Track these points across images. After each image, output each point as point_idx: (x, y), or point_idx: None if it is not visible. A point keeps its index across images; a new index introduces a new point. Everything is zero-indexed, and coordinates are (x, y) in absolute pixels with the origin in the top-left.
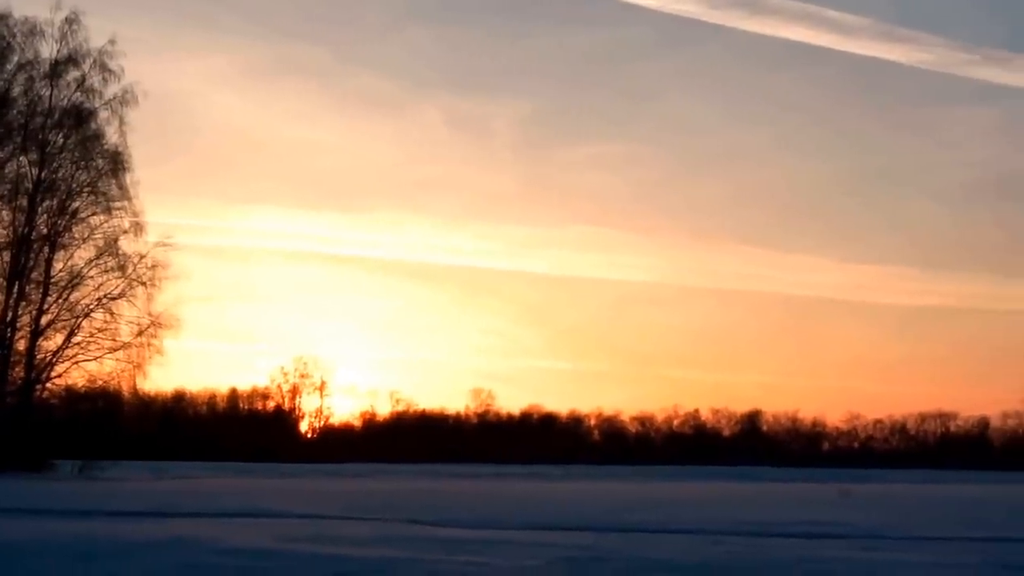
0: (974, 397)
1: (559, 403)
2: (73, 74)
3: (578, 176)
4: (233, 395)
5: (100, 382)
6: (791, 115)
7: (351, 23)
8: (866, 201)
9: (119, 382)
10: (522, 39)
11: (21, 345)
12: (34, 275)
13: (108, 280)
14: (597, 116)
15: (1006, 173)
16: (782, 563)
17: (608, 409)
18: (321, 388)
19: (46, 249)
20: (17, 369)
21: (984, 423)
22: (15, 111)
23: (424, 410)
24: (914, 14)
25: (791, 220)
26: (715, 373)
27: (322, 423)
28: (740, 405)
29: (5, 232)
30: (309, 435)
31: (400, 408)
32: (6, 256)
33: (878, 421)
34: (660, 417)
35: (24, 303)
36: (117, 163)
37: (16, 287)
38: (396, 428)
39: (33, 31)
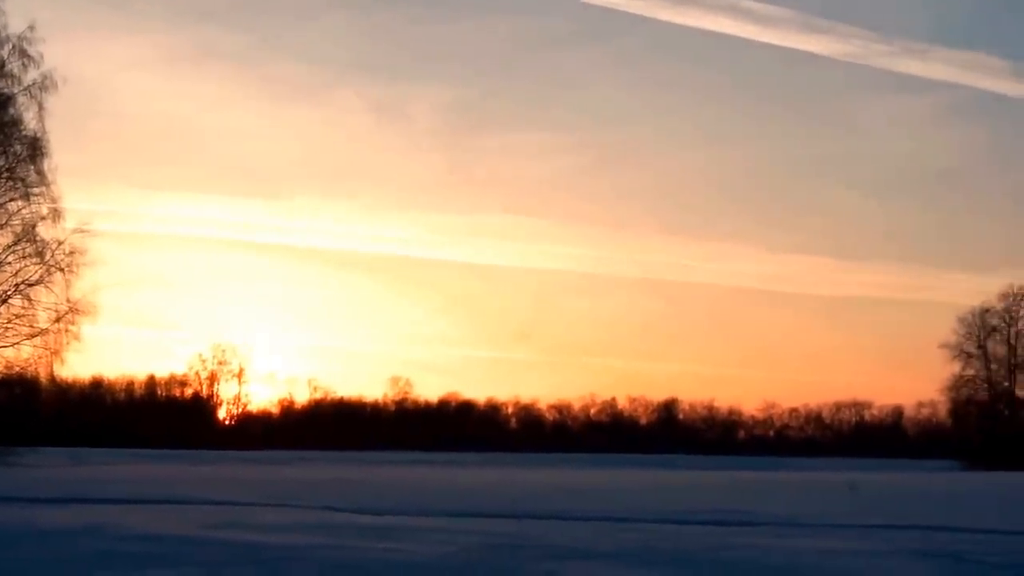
0: (889, 386)
1: (477, 391)
2: None
3: (499, 164)
4: (151, 382)
5: (17, 368)
6: (712, 105)
7: (272, 10)
8: (785, 191)
9: (36, 368)
10: (444, 26)
11: None
12: None
13: (26, 266)
14: (519, 104)
15: (925, 164)
16: (695, 549)
17: (526, 397)
18: (239, 375)
19: None
20: None
21: (898, 412)
22: None
23: (342, 398)
24: (834, 6)
25: (711, 210)
26: (633, 361)
27: (240, 410)
28: (657, 393)
29: None
30: (227, 422)
31: (318, 396)
32: None
33: (794, 410)
34: (577, 405)
35: None
36: (36, 149)
37: None
38: (314, 416)
39: None
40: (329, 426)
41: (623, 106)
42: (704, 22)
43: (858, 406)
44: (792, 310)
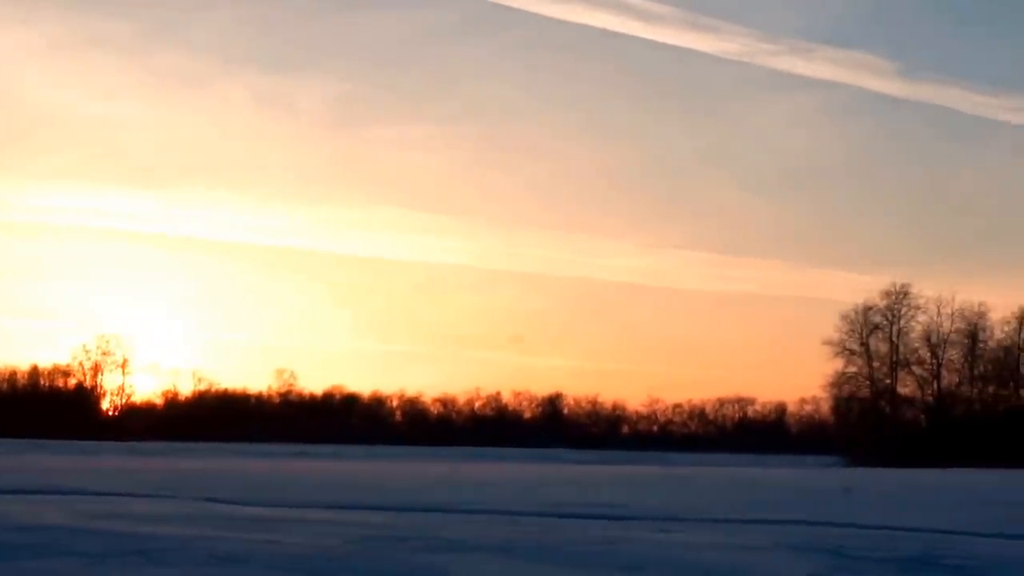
0: (772, 383)
1: (362, 384)
2: None
3: (386, 157)
4: (34, 372)
5: None
6: (597, 101)
7: (160, 1)
8: (670, 188)
9: None
10: (331, 18)
11: None
12: None
13: None
14: (406, 97)
15: (809, 162)
16: (577, 543)
17: (411, 390)
18: (123, 366)
19: None
20: None
21: (781, 408)
22: None
23: (226, 389)
24: (720, 4)
25: (597, 205)
26: (517, 356)
27: (124, 401)
28: (541, 388)
29: None
30: (110, 413)
31: (202, 387)
32: None
33: (677, 405)
34: (462, 399)
35: None
36: None
37: None
38: (198, 407)
39: None
40: (213, 418)
41: (510, 101)
42: (591, 18)
43: (741, 402)
44: (677, 306)
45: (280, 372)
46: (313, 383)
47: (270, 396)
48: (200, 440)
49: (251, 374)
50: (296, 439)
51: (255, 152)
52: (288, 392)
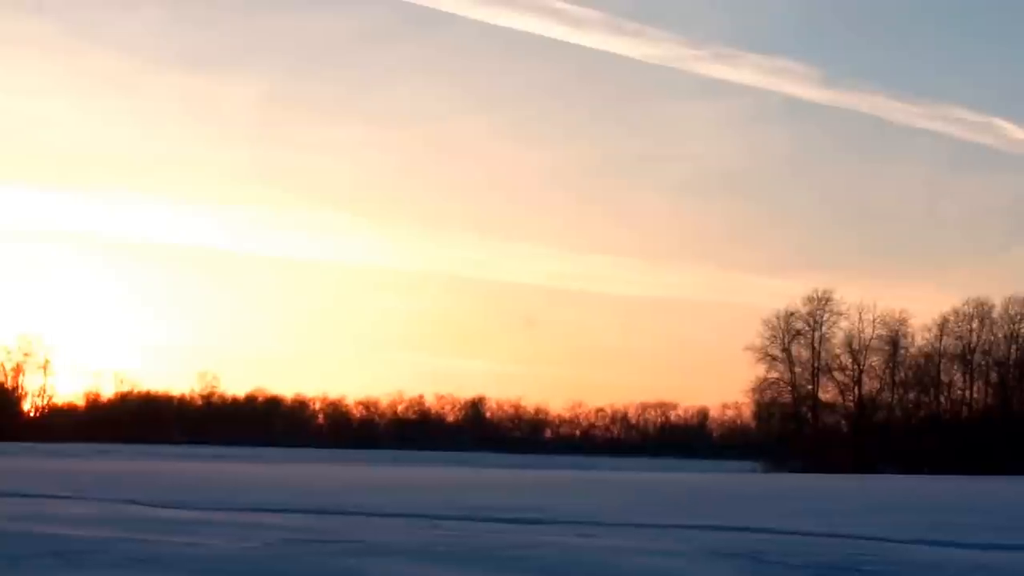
0: (694, 388)
1: (285, 386)
2: None
3: (312, 159)
4: None
5: None
6: (522, 105)
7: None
8: (593, 192)
9: None
10: (259, 19)
11: None
12: None
13: None
14: (333, 99)
15: (732, 168)
16: (496, 547)
17: (333, 393)
18: (45, 367)
19: None
20: None
21: (703, 414)
22: None
23: (149, 391)
24: (644, 10)
25: (520, 208)
26: (440, 359)
27: (45, 403)
28: (464, 391)
29: None
30: (32, 414)
31: (125, 389)
32: None
33: (600, 410)
34: (385, 402)
35: None
36: None
37: None
38: (120, 409)
39: None
40: (135, 420)
41: (435, 104)
42: (516, 22)
43: (664, 407)
44: (598, 310)
45: (203, 374)
46: (236, 385)
47: (193, 398)
48: (122, 442)
49: (174, 376)
50: (218, 442)
51: (180, 152)
52: (211, 394)
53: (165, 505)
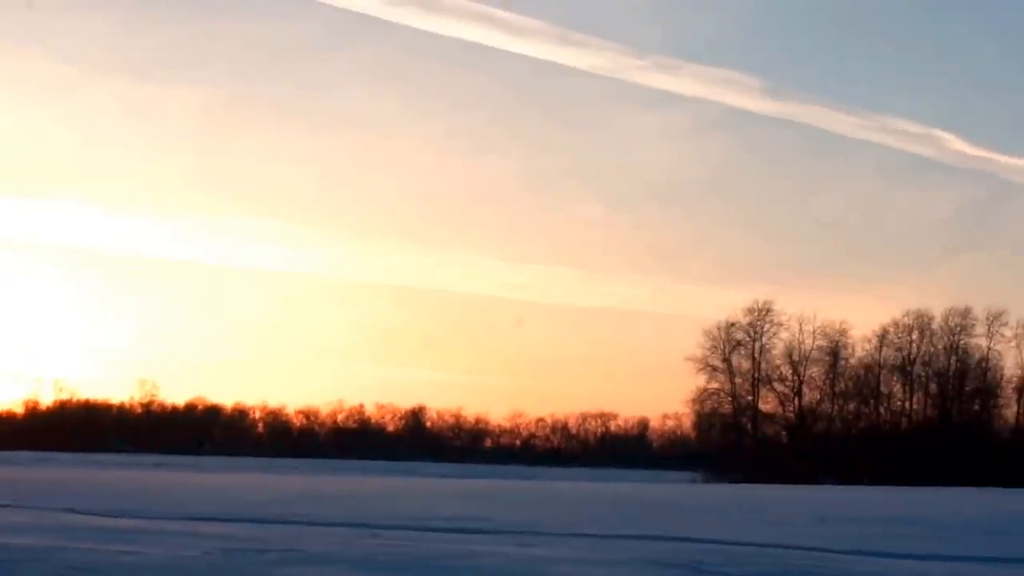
0: (635, 398)
1: (225, 395)
2: None
3: (250, 167)
4: None
5: None
6: (464, 114)
7: (23, 5)
8: (534, 201)
9: None
10: (200, 26)
11: None
12: None
13: None
14: (273, 107)
15: (673, 178)
16: (438, 556)
17: (273, 402)
18: None
19: None
20: None
21: (644, 424)
22: None
23: (88, 399)
24: (587, 20)
25: (461, 217)
26: (381, 368)
27: None
28: (405, 400)
29: None
30: None
31: (64, 397)
32: None
33: (540, 420)
34: (325, 411)
35: None
36: None
37: None
38: (59, 417)
39: None
40: (74, 427)
41: (376, 112)
42: (460, 31)
43: (604, 417)
44: (540, 320)
45: (143, 382)
46: (175, 394)
47: (132, 406)
48: (62, 450)
49: (114, 384)
50: (158, 450)
51: (121, 159)
52: (150, 403)
53: (104, 514)
